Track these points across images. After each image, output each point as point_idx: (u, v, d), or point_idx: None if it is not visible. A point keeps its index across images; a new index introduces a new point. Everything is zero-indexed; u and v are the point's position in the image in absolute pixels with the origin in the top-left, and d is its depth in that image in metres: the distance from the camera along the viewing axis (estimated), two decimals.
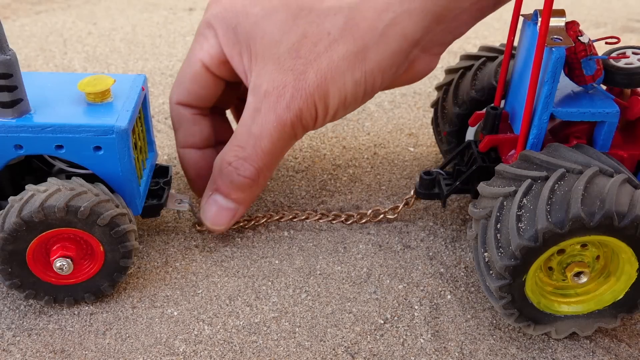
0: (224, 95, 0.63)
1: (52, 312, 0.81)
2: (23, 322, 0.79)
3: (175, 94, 0.61)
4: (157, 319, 0.80)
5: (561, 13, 0.76)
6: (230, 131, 0.83)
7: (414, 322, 0.81)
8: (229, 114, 0.94)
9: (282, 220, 0.97)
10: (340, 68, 0.50)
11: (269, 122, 0.50)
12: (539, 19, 0.72)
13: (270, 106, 0.49)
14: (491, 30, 1.86)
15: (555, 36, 0.74)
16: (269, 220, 0.96)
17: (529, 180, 0.71)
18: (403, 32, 0.56)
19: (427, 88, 1.44)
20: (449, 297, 0.85)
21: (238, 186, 0.55)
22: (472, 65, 1.00)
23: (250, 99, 0.51)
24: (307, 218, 0.97)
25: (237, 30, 0.56)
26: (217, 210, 0.58)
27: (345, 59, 0.51)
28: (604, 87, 0.83)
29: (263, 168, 0.54)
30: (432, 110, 1.14)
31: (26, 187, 0.76)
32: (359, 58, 0.53)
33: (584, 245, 0.73)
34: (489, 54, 1.00)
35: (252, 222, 0.94)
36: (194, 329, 0.79)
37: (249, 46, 0.54)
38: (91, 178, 0.81)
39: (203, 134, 0.63)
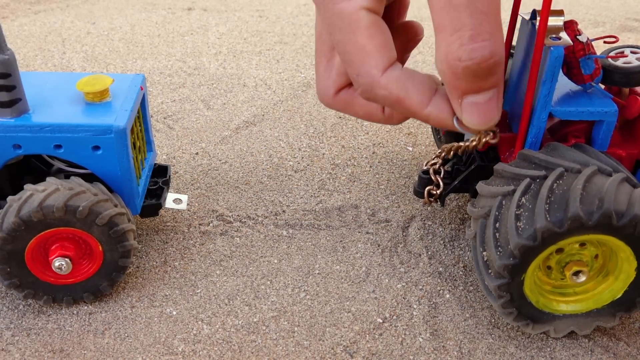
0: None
1: (51, 312, 0.81)
2: (22, 322, 0.79)
3: None
4: (156, 319, 0.80)
5: (560, 12, 0.76)
6: None
7: (413, 321, 0.81)
8: None
9: None
10: None
11: None
12: (538, 18, 0.72)
13: None
14: None
15: (553, 35, 0.74)
16: None
17: (527, 180, 0.71)
18: None
19: None
20: (447, 296, 0.85)
21: (484, 73, 0.42)
22: None
23: None
24: None
25: None
26: (479, 109, 0.44)
27: None
28: (603, 86, 0.83)
29: (498, 39, 0.42)
30: None
31: (25, 186, 0.76)
32: None
33: (582, 244, 0.73)
34: None
35: None
36: (192, 329, 0.79)
37: None
38: (90, 178, 0.81)
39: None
